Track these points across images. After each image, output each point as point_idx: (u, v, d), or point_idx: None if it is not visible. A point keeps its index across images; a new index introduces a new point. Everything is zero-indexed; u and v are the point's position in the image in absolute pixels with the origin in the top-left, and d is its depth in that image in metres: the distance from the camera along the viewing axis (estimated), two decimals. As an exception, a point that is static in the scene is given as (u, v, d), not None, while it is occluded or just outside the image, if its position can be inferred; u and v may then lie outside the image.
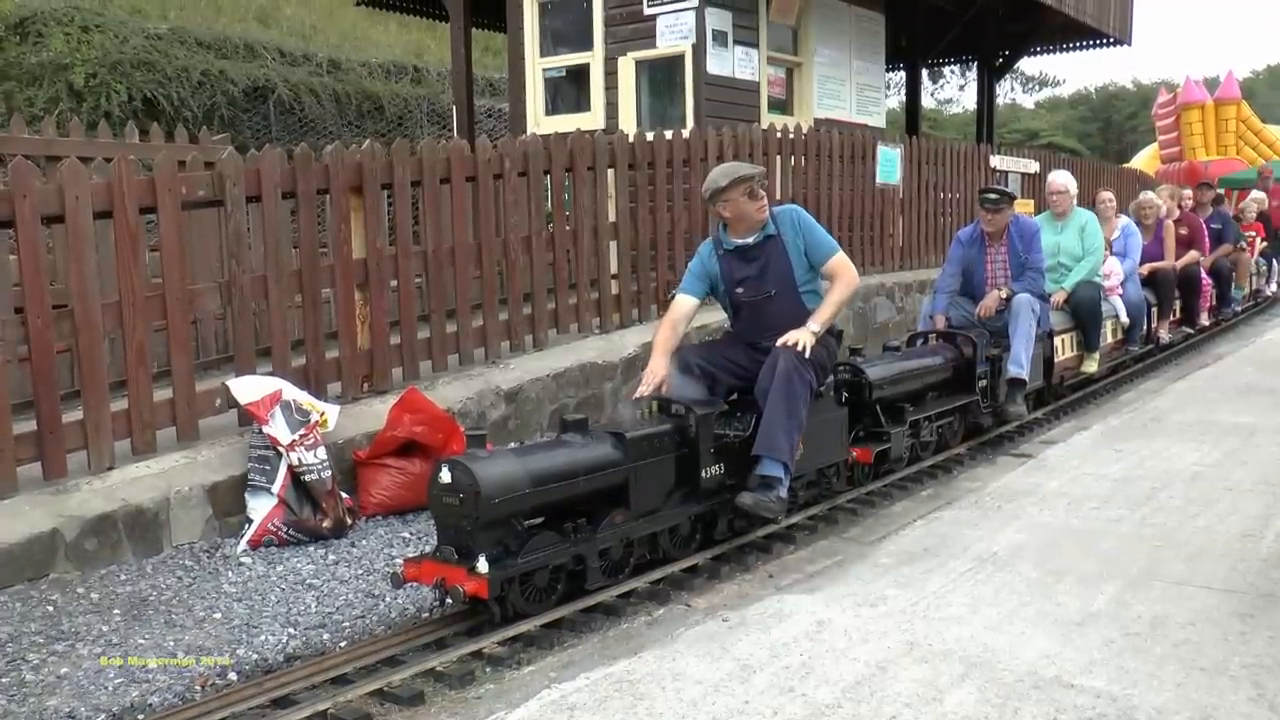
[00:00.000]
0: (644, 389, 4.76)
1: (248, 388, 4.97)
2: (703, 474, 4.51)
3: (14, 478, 4.39)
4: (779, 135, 8.67)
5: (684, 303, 5.09)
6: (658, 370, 4.79)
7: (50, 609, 3.97)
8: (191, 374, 5.00)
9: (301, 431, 4.86)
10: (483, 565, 3.68)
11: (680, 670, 3.35)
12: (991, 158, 11.96)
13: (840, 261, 4.98)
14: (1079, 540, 4.59)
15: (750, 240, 4.96)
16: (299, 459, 4.79)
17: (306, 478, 4.78)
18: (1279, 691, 3.12)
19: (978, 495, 5.48)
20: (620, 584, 4.23)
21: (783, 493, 4.59)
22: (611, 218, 7.18)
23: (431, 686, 3.43)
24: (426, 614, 4.09)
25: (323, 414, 5.04)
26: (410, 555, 4.30)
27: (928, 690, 3.17)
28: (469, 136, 10.22)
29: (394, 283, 5.85)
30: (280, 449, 4.79)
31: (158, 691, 3.39)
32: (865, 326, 9.08)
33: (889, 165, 10.10)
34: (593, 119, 9.94)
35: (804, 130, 9.13)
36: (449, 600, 3.78)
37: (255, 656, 3.67)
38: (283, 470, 4.77)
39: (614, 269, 7.21)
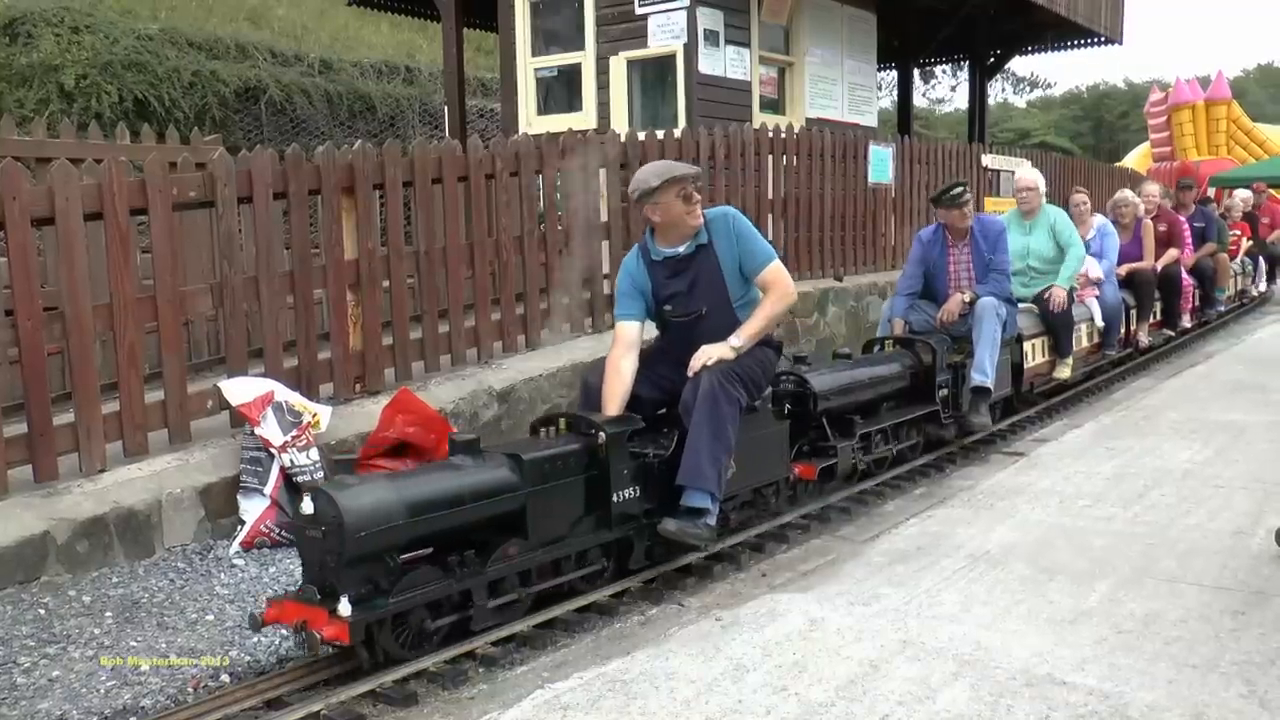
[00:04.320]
0: None
1: (240, 389, 4.97)
2: (614, 498, 4.15)
3: (5, 481, 4.37)
4: (771, 135, 8.68)
5: (626, 332, 4.58)
6: None
7: (42, 612, 3.96)
8: (183, 376, 4.99)
9: (294, 433, 4.85)
10: (345, 607, 3.28)
11: (673, 669, 3.36)
12: (984, 157, 11.99)
13: (775, 272, 4.53)
14: (1071, 538, 4.61)
15: (680, 250, 4.53)
16: (291, 460, 4.79)
17: (299, 479, 4.78)
18: (1270, 688, 3.13)
19: (970, 494, 5.50)
20: (606, 587, 4.14)
21: (711, 521, 4.26)
22: (604, 217, 7.18)
23: (424, 687, 3.43)
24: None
25: (315, 415, 5.03)
26: (273, 594, 3.99)
27: (920, 688, 3.17)
28: (461, 137, 10.23)
29: (386, 283, 5.85)
30: (273, 450, 4.78)
31: (150, 694, 3.39)
32: (858, 326, 9.10)
33: (881, 165, 10.11)
34: (585, 119, 9.94)
35: (796, 130, 9.14)
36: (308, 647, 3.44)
37: (248, 658, 3.66)
38: (275, 472, 4.77)
39: (606, 268, 7.21)
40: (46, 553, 4.22)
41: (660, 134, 7.63)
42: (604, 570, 4.21)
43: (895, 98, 18.59)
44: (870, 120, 12.12)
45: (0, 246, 4.97)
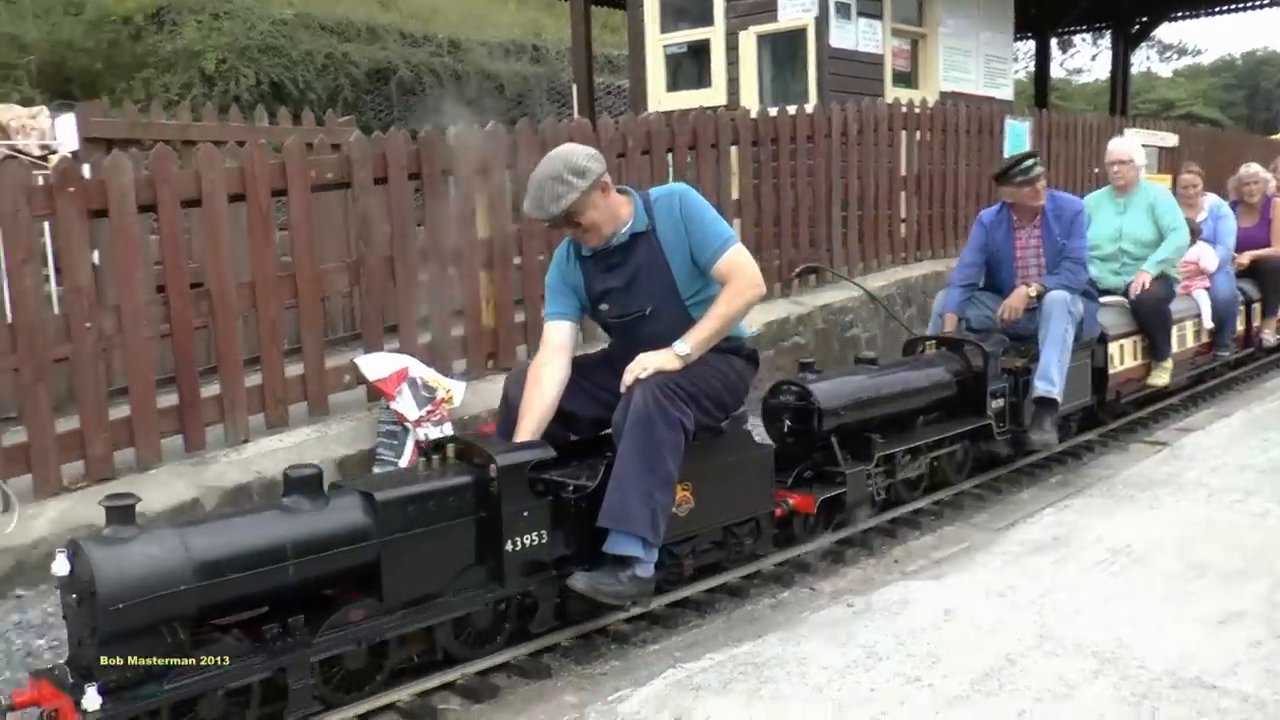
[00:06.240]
0: None
1: (376, 364, 5.08)
2: (508, 545, 3.39)
3: (158, 449, 4.57)
4: (904, 110, 8.49)
5: (553, 333, 3.86)
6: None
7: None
8: (321, 351, 5.13)
9: (428, 408, 4.95)
10: (92, 699, 2.65)
11: (805, 655, 3.32)
12: (1126, 130, 11.51)
13: (734, 260, 3.72)
14: (1221, 534, 4.39)
15: (612, 241, 3.77)
16: (426, 435, 4.88)
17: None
18: None
19: (1109, 484, 5.29)
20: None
21: (641, 572, 3.49)
22: (735, 195, 7.13)
23: (558, 661, 3.48)
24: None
25: (449, 390, 5.12)
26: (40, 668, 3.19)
27: (1059, 685, 3.07)
28: (589, 114, 10.27)
29: (518, 261, 5.90)
30: (407, 424, 4.88)
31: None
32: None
33: (1017, 139, 9.79)
34: (714, 95, 9.87)
35: (929, 104, 8.92)
36: None
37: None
38: (410, 445, 4.87)
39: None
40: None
41: (791, 110, 7.52)
42: (496, 636, 3.48)
43: (1032, 69, 17.97)
44: (1006, 93, 11.75)
45: (152, 226, 5.18)
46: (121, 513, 2.87)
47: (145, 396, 4.53)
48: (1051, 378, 5.40)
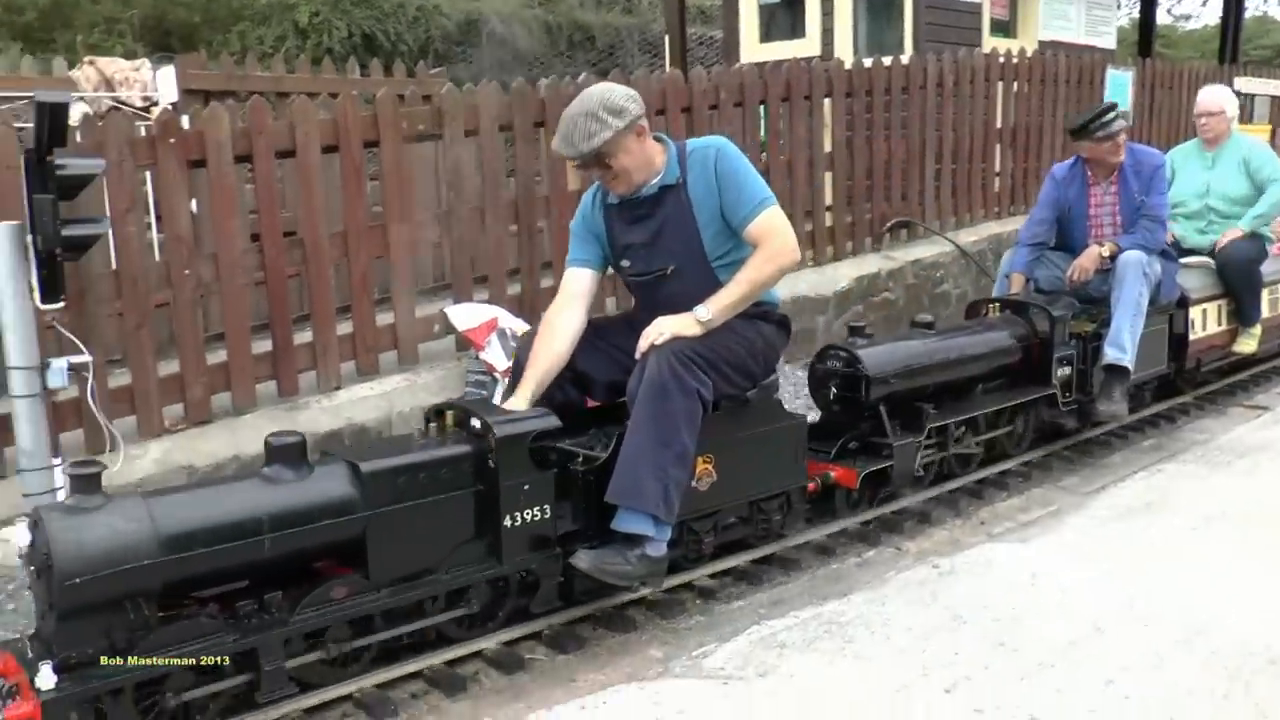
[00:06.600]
0: None
1: (465, 315, 5.13)
2: (506, 521, 3.18)
3: (253, 394, 4.70)
4: (1002, 60, 8.25)
5: (572, 280, 3.65)
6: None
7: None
8: (411, 300, 5.19)
9: (516, 359, 4.99)
10: (46, 677, 2.53)
11: (889, 615, 3.31)
12: (1236, 79, 11.05)
13: (767, 224, 3.43)
14: (1325, 503, 4.26)
15: (642, 191, 3.54)
16: (513, 386, 4.92)
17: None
18: None
19: (1204, 448, 5.16)
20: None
21: (652, 551, 3.29)
22: (827, 148, 7.02)
23: (643, 615, 3.51)
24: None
25: (536, 343, 5.15)
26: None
27: (1147, 655, 3.02)
28: (681, 65, 10.15)
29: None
30: (496, 375, 4.93)
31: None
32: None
33: (1119, 90, 9.47)
34: (808, 46, 9.70)
35: (1027, 54, 8.66)
36: None
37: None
38: (498, 396, 4.92)
39: (828, 200, 7.07)
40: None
41: (886, 61, 7.37)
42: (494, 615, 3.31)
43: (1135, 16, 17.28)
44: (1108, 42, 11.33)
45: (247, 176, 5.28)
46: (86, 481, 2.69)
47: (241, 342, 4.65)
48: (1123, 344, 5.06)
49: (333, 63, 9.41)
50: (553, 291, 5.53)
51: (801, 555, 3.99)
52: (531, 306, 5.49)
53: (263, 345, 4.77)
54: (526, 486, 3.19)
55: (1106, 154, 5.38)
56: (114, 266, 4.37)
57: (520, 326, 5.14)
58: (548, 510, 3.25)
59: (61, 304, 3.67)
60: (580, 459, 3.33)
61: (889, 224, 7.37)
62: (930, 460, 4.52)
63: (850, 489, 4.19)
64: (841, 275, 6.83)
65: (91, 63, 7.82)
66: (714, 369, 3.37)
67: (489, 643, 3.28)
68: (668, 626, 3.46)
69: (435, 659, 3.18)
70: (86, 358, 3.77)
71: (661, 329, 3.32)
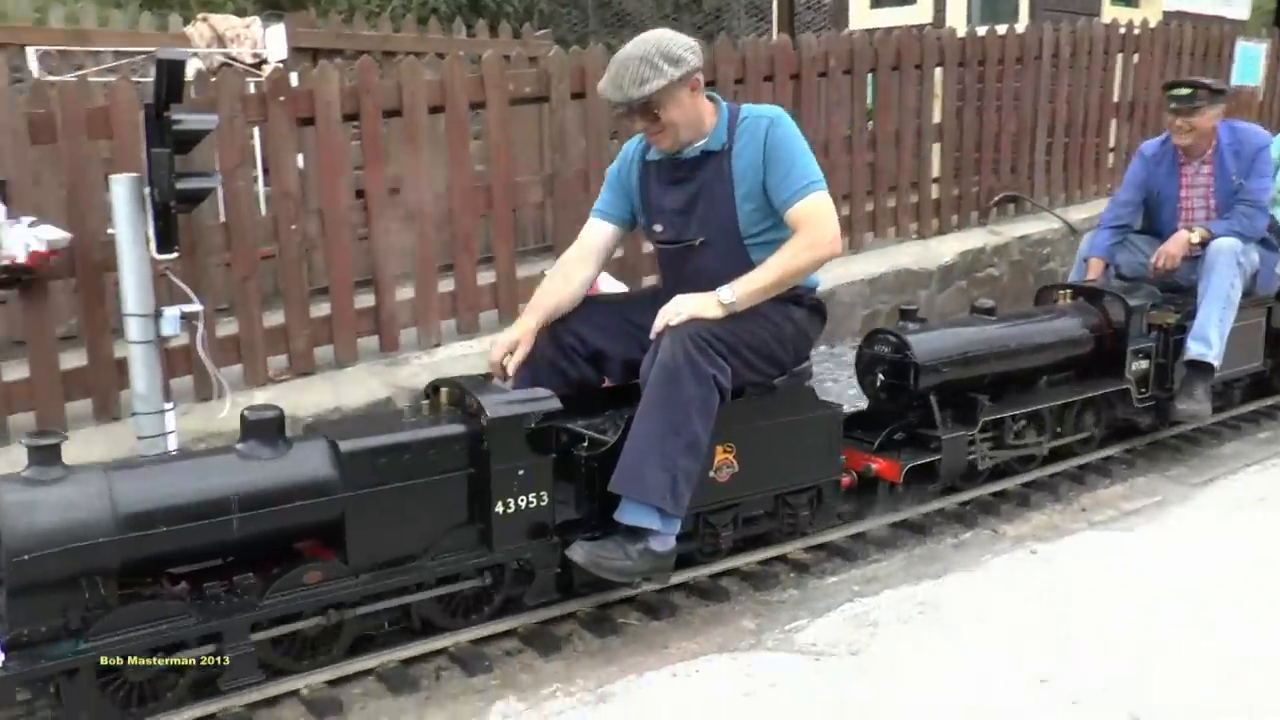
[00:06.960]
0: (490, 362, 3.37)
1: (564, 277, 5.13)
2: (497, 508, 2.98)
3: (355, 348, 4.77)
4: (1122, 31, 7.95)
5: (592, 232, 3.49)
6: (506, 340, 3.31)
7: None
8: (512, 261, 5.21)
9: (615, 322, 4.98)
10: None
11: (985, 599, 3.25)
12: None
13: (811, 209, 3.17)
14: None
15: (684, 152, 3.31)
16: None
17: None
18: None
19: (1318, 444, 4.95)
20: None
21: (657, 545, 3.07)
22: (936, 119, 6.86)
23: (737, 585, 3.51)
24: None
25: (638, 305, 5.13)
26: None
27: (1257, 659, 2.89)
28: (789, 31, 10.01)
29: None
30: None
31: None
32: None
33: (1250, 64, 9.05)
34: (919, 13, 9.47)
35: (1150, 25, 8.33)
36: None
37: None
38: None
39: (935, 172, 6.91)
40: (388, 418, 4.56)
41: (1000, 30, 7.15)
42: (484, 605, 3.14)
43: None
44: (1240, 12, 10.86)
45: (354, 134, 5.34)
46: (44, 452, 2.56)
47: (344, 297, 4.72)
48: (1208, 338, 4.66)
49: (439, 23, 9.44)
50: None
51: (897, 534, 3.94)
52: (634, 270, 5.48)
53: (365, 300, 4.84)
54: (521, 471, 2.99)
55: (1186, 131, 4.97)
56: (223, 219, 4.46)
57: (622, 289, 5.13)
58: (545, 497, 3.06)
59: (175, 254, 3.75)
60: (585, 443, 3.17)
61: (996, 198, 7.19)
62: (983, 455, 4.18)
63: (893, 482, 3.95)
64: (946, 249, 6.68)
65: (205, 19, 7.96)
66: (734, 354, 3.14)
67: (583, 604, 3.29)
68: (761, 599, 3.44)
69: (531, 619, 3.21)
70: (198, 307, 3.85)
71: (679, 308, 3.09)
